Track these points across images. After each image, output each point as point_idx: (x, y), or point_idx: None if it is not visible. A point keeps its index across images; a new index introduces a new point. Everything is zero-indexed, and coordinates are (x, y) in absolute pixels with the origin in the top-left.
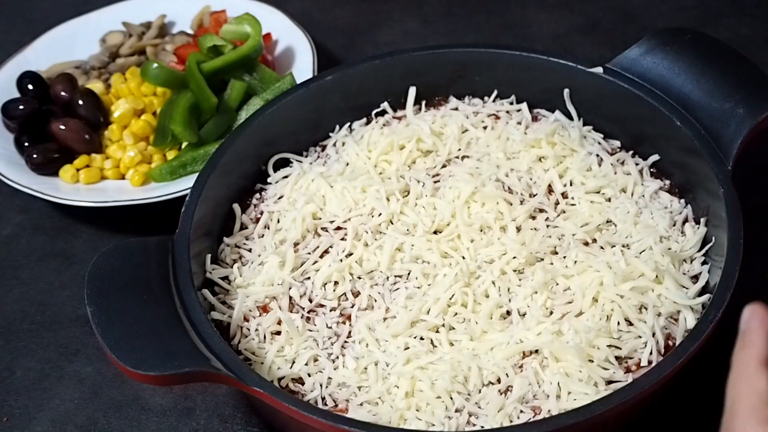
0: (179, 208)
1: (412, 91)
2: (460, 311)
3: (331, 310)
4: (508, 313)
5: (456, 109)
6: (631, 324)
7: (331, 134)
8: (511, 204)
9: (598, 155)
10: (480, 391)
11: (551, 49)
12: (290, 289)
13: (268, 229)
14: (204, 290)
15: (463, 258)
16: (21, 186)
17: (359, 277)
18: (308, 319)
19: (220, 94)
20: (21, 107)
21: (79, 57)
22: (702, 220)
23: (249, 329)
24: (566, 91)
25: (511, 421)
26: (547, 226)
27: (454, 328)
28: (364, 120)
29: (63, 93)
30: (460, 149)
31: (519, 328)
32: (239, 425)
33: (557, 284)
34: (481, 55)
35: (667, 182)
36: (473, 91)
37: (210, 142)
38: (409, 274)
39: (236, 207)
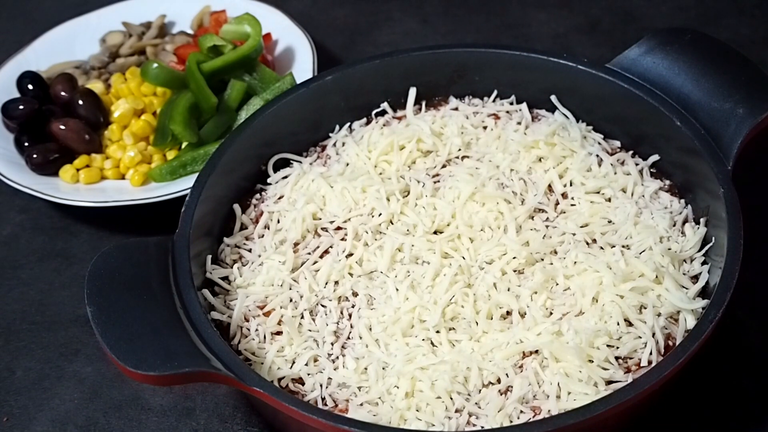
0: (179, 208)
1: (413, 92)
2: (460, 312)
3: (331, 311)
4: (508, 313)
5: (456, 109)
6: (630, 324)
7: (331, 134)
8: (511, 204)
9: (597, 155)
10: (480, 392)
11: (551, 49)
12: (290, 289)
13: (268, 229)
14: (204, 290)
15: (464, 258)
16: (21, 186)
17: (359, 277)
18: (308, 319)
19: (220, 94)
20: (21, 107)
21: (79, 57)
22: (702, 220)
23: (249, 329)
24: (553, 97)
25: (511, 421)
26: (547, 226)
27: (454, 329)
28: (364, 120)
29: (63, 93)
30: (460, 149)
31: (519, 328)
32: (239, 425)
33: (557, 284)
34: (481, 55)
35: (667, 182)
36: (473, 91)
37: (210, 142)
38: (409, 274)
39: (236, 207)
